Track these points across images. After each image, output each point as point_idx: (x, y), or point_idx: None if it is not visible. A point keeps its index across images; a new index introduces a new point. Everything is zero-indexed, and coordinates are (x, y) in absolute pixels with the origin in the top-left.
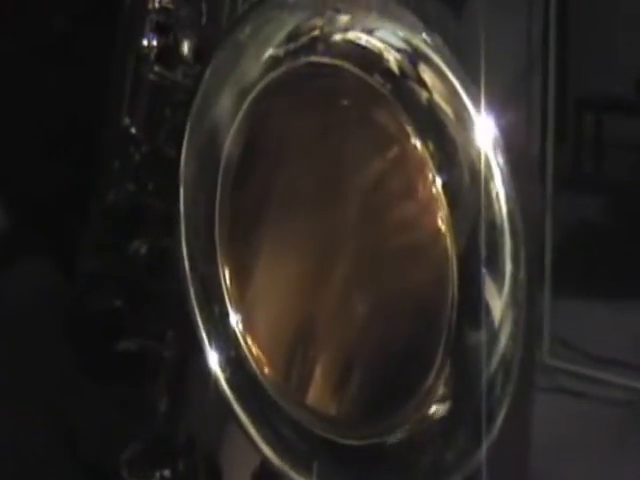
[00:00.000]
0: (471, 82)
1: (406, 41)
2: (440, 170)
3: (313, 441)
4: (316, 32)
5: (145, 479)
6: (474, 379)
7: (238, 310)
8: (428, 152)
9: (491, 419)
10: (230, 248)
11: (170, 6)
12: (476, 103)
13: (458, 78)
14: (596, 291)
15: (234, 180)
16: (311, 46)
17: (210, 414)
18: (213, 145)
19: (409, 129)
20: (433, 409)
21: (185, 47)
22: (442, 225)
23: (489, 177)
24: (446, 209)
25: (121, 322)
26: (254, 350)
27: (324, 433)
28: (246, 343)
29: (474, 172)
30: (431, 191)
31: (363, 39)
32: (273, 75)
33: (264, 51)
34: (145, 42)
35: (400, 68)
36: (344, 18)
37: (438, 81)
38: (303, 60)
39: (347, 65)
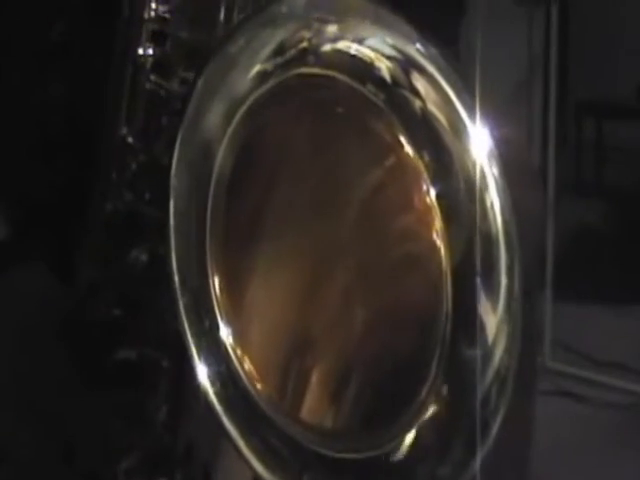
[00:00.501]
0: (466, 91)
1: (397, 49)
2: (435, 181)
3: (305, 455)
4: (304, 44)
5: None
6: (468, 392)
7: (230, 324)
8: (422, 162)
9: (486, 432)
10: (222, 261)
11: (166, 15)
12: (471, 112)
13: (452, 87)
14: (597, 295)
15: (227, 192)
16: (301, 58)
17: (207, 425)
18: (205, 157)
19: (403, 139)
20: (427, 422)
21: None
22: (437, 237)
23: (484, 187)
24: (440, 220)
25: (120, 331)
26: (246, 364)
27: (317, 447)
28: (237, 357)
29: (469, 182)
30: (426, 202)
31: (353, 48)
32: (263, 89)
33: (253, 65)
34: (141, 51)
35: (392, 77)
36: (332, 28)
37: (432, 90)
38: (293, 72)
39: (339, 75)
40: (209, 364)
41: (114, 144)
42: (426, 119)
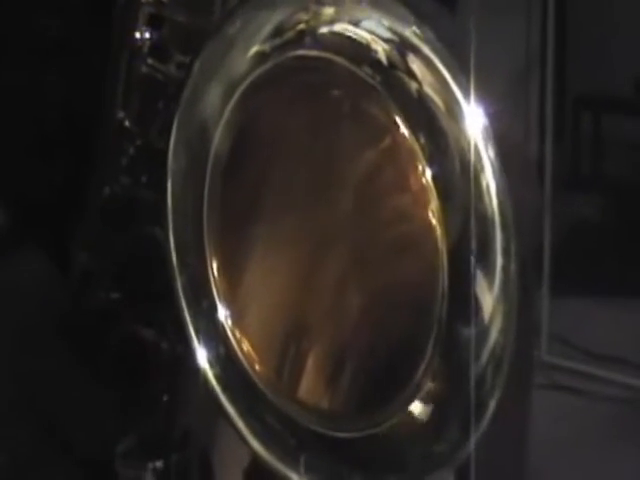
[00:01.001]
0: (461, 73)
1: (393, 31)
2: (431, 162)
3: (302, 434)
4: (302, 26)
5: (138, 471)
6: (464, 372)
7: (228, 305)
8: (418, 144)
9: (481, 411)
10: (220, 243)
11: None
12: (466, 94)
13: (448, 69)
14: (594, 289)
15: (224, 174)
16: (298, 40)
17: (204, 407)
18: (202, 138)
19: (399, 120)
20: (423, 402)
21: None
22: (433, 217)
23: (479, 169)
24: (437, 201)
25: (118, 315)
26: (244, 346)
27: (315, 426)
28: (235, 338)
29: (465, 164)
30: (422, 183)
31: (350, 31)
32: (261, 70)
33: (251, 47)
34: (138, 35)
35: (389, 59)
36: (329, 11)
37: (428, 72)
38: (291, 54)
39: (335, 57)
40: (207, 345)
41: (112, 128)
42: (422, 101)
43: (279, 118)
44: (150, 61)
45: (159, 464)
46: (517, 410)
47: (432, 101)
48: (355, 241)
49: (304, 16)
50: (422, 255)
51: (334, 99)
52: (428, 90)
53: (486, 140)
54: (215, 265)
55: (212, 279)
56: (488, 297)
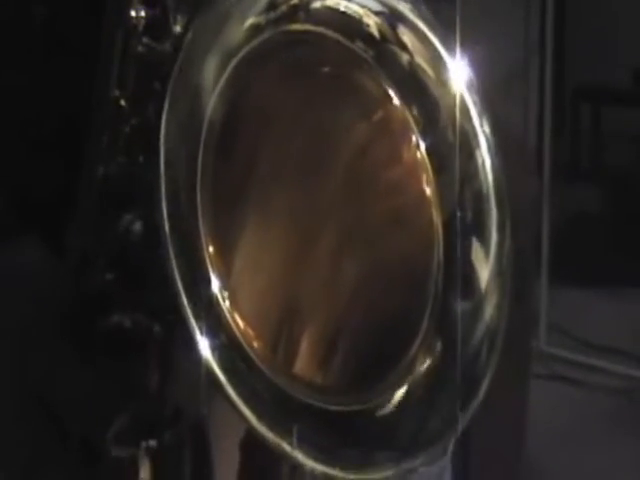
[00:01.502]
0: (453, 42)
1: (384, 4)
2: (424, 134)
3: (294, 406)
4: (295, 0)
5: (131, 450)
6: (459, 347)
7: (222, 282)
8: (412, 116)
9: (475, 387)
10: (214, 218)
11: None
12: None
13: (440, 40)
14: (593, 279)
15: (216, 147)
16: (291, 14)
17: (198, 386)
18: (195, 110)
19: (392, 93)
20: (418, 376)
21: (173, 18)
22: (427, 190)
23: (475, 145)
24: (431, 174)
25: (113, 297)
26: (240, 323)
27: (309, 400)
28: (231, 315)
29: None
30: (416, 155)
31: (342, 5)
32: (255, 43)
33: (246, 19)
34: (133, 13)
35: (380, 32)
36: None
37: (419, 43)
38: (284, 28)
39: (328, 32)
40: (206, 329)
41: (107, 107)
42: (413, 72)
43: (272, 92)
44: (145, 40)
45: (152, 443)
46: (515, 399)
47: (423, 71)
48: (349, 216)
49: None
50: (417, 229)
51: (327, 73)
52: (419, 60)
53: (480, 115)
54: (209, 241)
55: (207, 256)
56: (483, 271)
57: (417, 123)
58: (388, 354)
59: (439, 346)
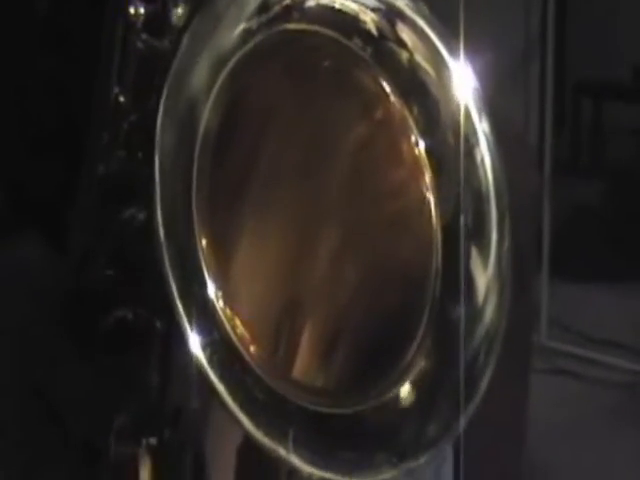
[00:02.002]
0: (452, 38)
1: (381, 0)
2: (423, 133)
3: (291, 410)
4: (288, 0)
5: (132, 448)
6: (457, 349)
7: (218, 284)
8: (411, 115)
9: (473, 389)
10: (210, 221)
11: None
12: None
13: (438, 35)
14: (593, 274)
15: (213, 150)
16: (285, 14)
17: (196, 385)
18: (191, 114)
19: (391, 92)
20: (416, 379)
21: (172, 14)
22: (426, 191)
23: (474, 143)
24: (430, 174)
25: (113, 293)
26: (236, 325)
27: (306, 403)
28: (227, 317)
29: (458, 135)
30: (415, 155)
31: (337, 2)
32: (249, 46)
33: (238, 24)
34: (133, 10)
35: (378, 29)
36: None
37: (418, 40)
38: (278, 28)
39: (324, 30)
40: (199, 326)
41: (106, 103)
42: (413, 70)
43: (269, 93)
44: (145, 36)
45: (153, 440)
46: (516, 394)
47: (423, 69)
48: (348, 216)
49: None
50: (416, 230)
51: (324, 73)
52: (419, 58)
53: (480, 113)
54: (205, 244)
55: (202, 258)
56: (483, 273)
57: (416, 122)
58: (386, 357)
59: (437, 349)
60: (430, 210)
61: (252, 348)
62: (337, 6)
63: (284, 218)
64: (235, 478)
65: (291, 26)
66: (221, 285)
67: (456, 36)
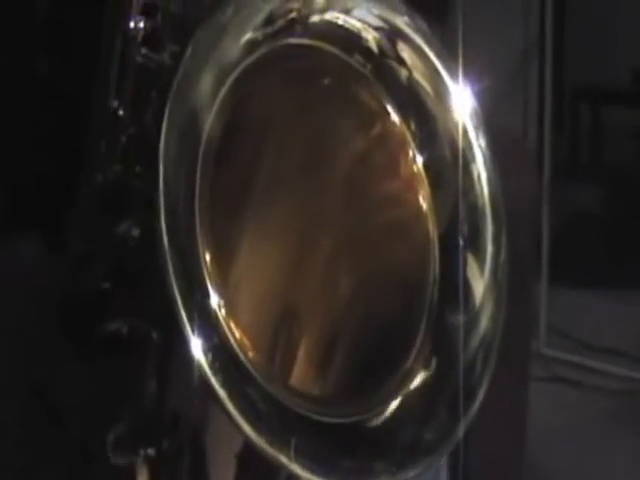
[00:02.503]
0: (451, 60)
1: (384, 19)
2: (421, 148)
3: (292, 418)
4: (293, 14)
5: (130, 458)
6: (455, 358)
7: (220, 293)
8: (409, 131)
9: (471, 398)
10: (211, 229)
11: None
12: (456, 80)
13: (437, 56)
14: (592, 281)
15: (215, 160)
16: (289, 28)
17: (195, 394)
18: (194, 124)
19: (389, 108)
20: (414, 387)
21: (171, 29)
22: (424, 204)
23: (470, 158)
24: (427, 188)
25: (109, 303)
26: (236, 332)
27: (306, 412)
28: (227, 324)
29: (455, 151)
30: (412, 170)
31: (341, 19)
32: (252, 58)
33: (243, 34)
34: (132, 24)
35: (379, 47)
36: None
37: (417, 59)
38: (282, 42)
39: (327, 46)
40: (201, 334)
41: (105, 116)
42: (412, 87)
43: (270, 105)
44: (144, 50)
45: (151, 450)
46: (515, 401)
47: (422, 87)
48: (347, 227)
49: (296, 4)
50: (413, 242)
51: (325, 87)
52: (418, 77)
53: (477, 129)
54: (207, 252)
55: (204, 266)
56: (478, 283)
57: (414, 137)
58: (384, 365)
59: (434, 357)
60: (427, 221)
61: (252, 355)
62: (340, 22)
63: (284, 227)
64: None
65: (294, 41)
66: (222, 292)
67: (455, 51)
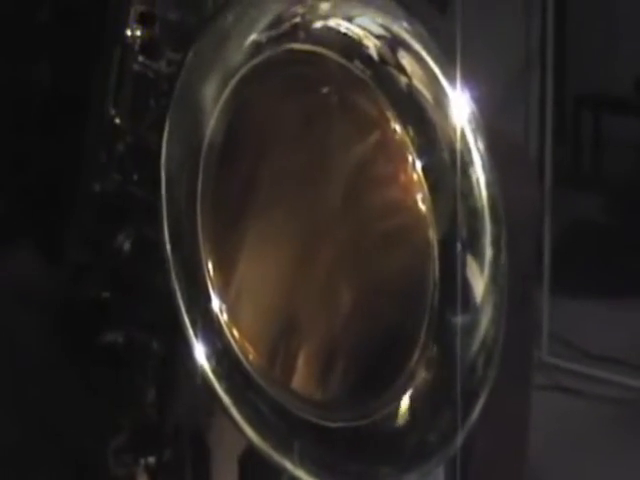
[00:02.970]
0: (451, 67)
1: (385, 28)
2: (420, 154)
3: (296, 423)
4: (297, 19)
5: (130, 467)
6: (456, 361)
7: (222, 298)
8: (408, 136)
9: (473, 400)
10: (213, 235)
11: None
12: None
13: (438, 64)
14: (594, 289)
15: (216, 166)
16: (292, 33)
17: (196, 403)
18: (196, 130)
19: (389, 114)
20: (416, 391)
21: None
22: (423, 209)
23: (469, 162)
24: (427, 192)
25: (109, 312)
26: (238, 337)
27: (309, 416)
28: (230, 330)
29: (454, 154)
30: (412, 175)
31: (343, 26)
32: (255, 61)
33: (247, 36)
34: (130, 33)
35: (380, 54)
36: (325, 5)
37: (417, 67)
38: (284, 47)
39: (328, 52)
40: (204, 339)
41: (102, 125)
42: (411, 94)
43: (271, 111)
44: (141, 59)
45: (151, 460)
46: (517, 410)
47: (421, 94)
48: (347, 232)
49: (300, 9)
50: (413, 246)
51: (326, 93)
52: (417, 84)
53: (475, 133)
54: (209, 258)
55: (206, 272)
56: (478, 286)
57: (413, 143)
58: (386, 370)
59: (436, 360)
60: (427, 225)
61: (254, 360)
62: (343, 30)
63: (285, 233)
64: None
65: (296, 46)
66: (225, 298)
67: (454, 57)
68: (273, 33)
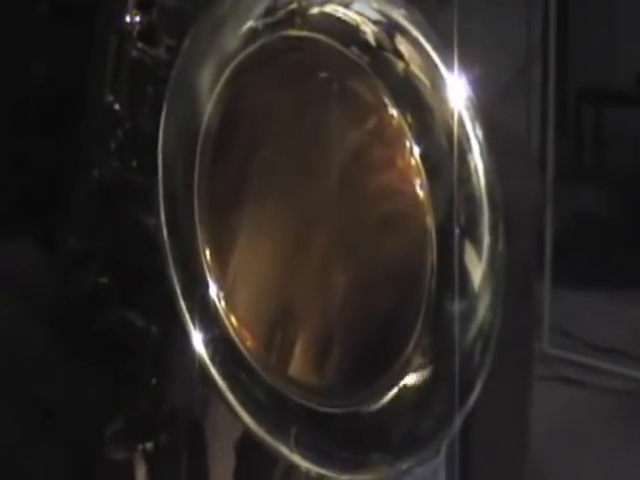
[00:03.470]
0: (449, 54)
1: (382, 13)
2: (418, 139)
3: (291, 409)
4: (294, 5)
5: (128, 453)
6: (453, 348)
7: (219, 285)
8: (406, 122)
9: (469, 387)
10: (211, 222)
11: None
12: (452, 71)
13: (435, 49)
14: (596, 281)
15: (213, 152)
16: (289, 20)
17: (193, 389)
18: (192, 116)
19: (386, 100)
20: (412, 378)
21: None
22: (421, 194)
23: (467, 149)
24: (424, 179)
25: (108, 298)
26: (235, 323)
27: (305, 402)
28: (227, 317)
29: (452, 141)
30: (409, 161)
31: (340, 12)
32: (251, 48)
33: (244, 23)
34: (128, 19)
35: (377, 40)
36: None
37: (415, 53)
38: (281, 34)
39: (324, 38)
40: (201, 326)
41: (100, 111)
42: (409, 80)
43: (268, 97)
44: (139, 45)
45: (149, 445)
46: (518, 401)
47: (419, 80)
48: (344, 219)
49: None
50: (411, 232)
51: (323, 79)
52: (415, 69)
53: (473, 120)
54: (206, 244)
55: (203, 259)
56: (476, 273)
57: (411, 129)
58: (382, 356)
59: (432, 347)
60: (424, 211)
61: (251, 346)
62: (339, 15)
63: (281, 220)
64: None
65: (293, 32)
66: (221, 284)
67: (452, 46)
68: (269, 20)
